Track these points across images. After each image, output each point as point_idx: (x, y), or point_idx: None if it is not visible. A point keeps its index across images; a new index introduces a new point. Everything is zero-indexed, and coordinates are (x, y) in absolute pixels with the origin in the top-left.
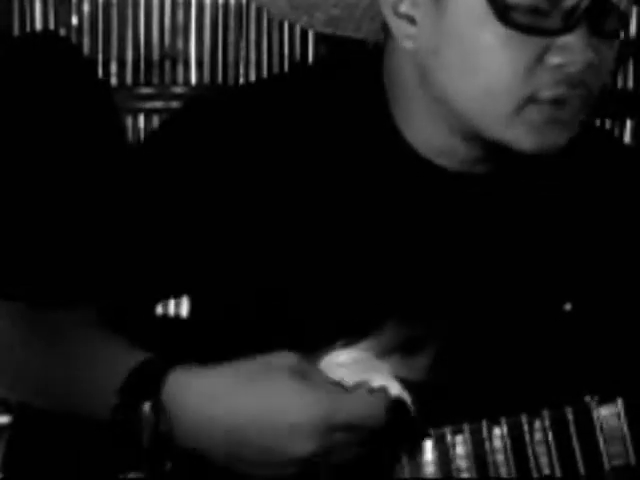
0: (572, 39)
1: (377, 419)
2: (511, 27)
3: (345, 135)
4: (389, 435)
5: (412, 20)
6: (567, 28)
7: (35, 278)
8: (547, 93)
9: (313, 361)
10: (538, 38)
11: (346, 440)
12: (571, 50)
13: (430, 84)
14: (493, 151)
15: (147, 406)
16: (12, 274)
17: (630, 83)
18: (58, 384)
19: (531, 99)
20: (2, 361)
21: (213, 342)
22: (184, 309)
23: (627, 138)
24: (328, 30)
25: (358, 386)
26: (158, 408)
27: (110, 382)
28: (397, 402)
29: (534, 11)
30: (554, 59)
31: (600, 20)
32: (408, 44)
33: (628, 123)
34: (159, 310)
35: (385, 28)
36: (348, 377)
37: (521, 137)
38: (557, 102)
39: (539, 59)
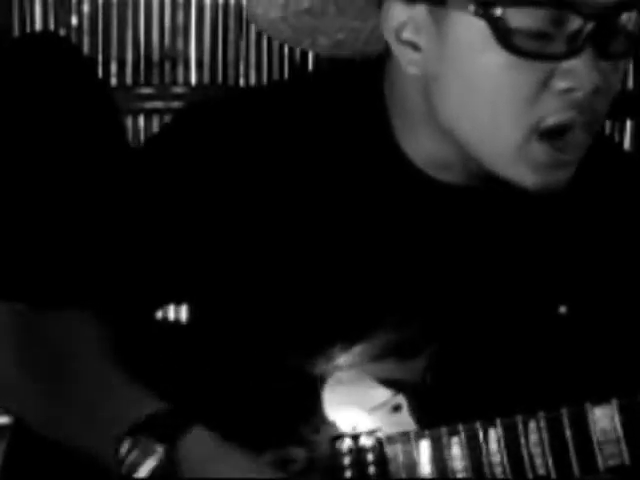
0: (577, 63)
1: None
2: (514, 53)
3: (345, 146)
4: None
5: (415, 46)
6: (572, 52)
7: (36, 281)
8: (553, 120)
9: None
10: (542, 63)
11: None
12: (577, 74)
13: (434, 110)
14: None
15: (162, 447)
16: (12, 276)
17: (630, 83)
18: (59, 411)
19: (537, 130)
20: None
21: (212, 346)
22: (183, 314)
23: (627, 138)
24: (333, 52)
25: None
26: (172, 453)
27: (122, 422)
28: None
29: (537, 36)
30: (560, 84)
31: (606, 42)
32: (413, 70)
33: (628, 123)
34: (159, 315)
35: (388, 47)
36: (346, 382)
37: (524, 176)
38: (562, 131)
39: (544, 84)
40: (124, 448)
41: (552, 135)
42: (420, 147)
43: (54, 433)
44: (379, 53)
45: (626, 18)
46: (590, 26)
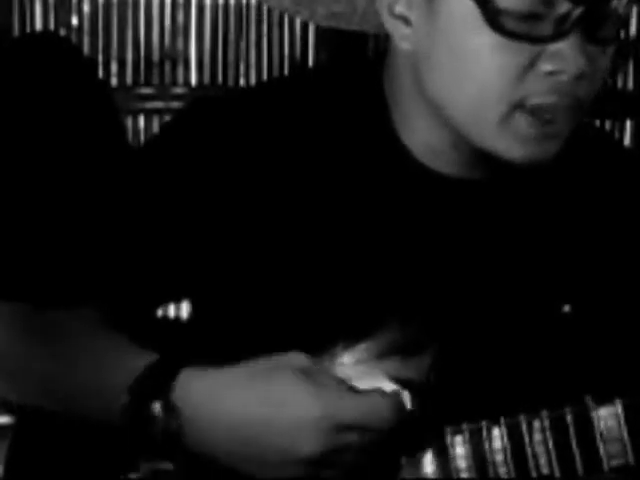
0: (564, 46)
1: (385, 420)
2: (502, 33)
3: (345, 139)
4: (395, 438)
5: (407, 21)
6: (559, 35)
7: (36, 279)
8: (536, 100)
9: (320, 362)
10: (529, 45)
11: (352, 441)
12: (563, 58)
13: (424, 87)
14: (485, 158)
15: (158, 405)
16: (13, 275)
17: (630, 83)
18: (62, 385)
19: (520, 105)
20: (3, 362)
21: (213, 344)
22: (184, 312)
23: (627, 138)
24: (331, 24)
25: (366, 387)
26: (169, 407)
27: (118, 382)
28: (401, 404)
29: (526, 17)
30: (545, 66)
31: (594, 27)
32: (404, 45)
33: (628, 123)
34: (159, 313)
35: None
36: (353, 378)
37: (510, 147)
38: (546, 111)
39: (530, 65)
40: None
41: (535, 112)
42: (416, 135)
43: (57, 405)
44: (377, 50)
45: (616, 2)
46: (579, 10)
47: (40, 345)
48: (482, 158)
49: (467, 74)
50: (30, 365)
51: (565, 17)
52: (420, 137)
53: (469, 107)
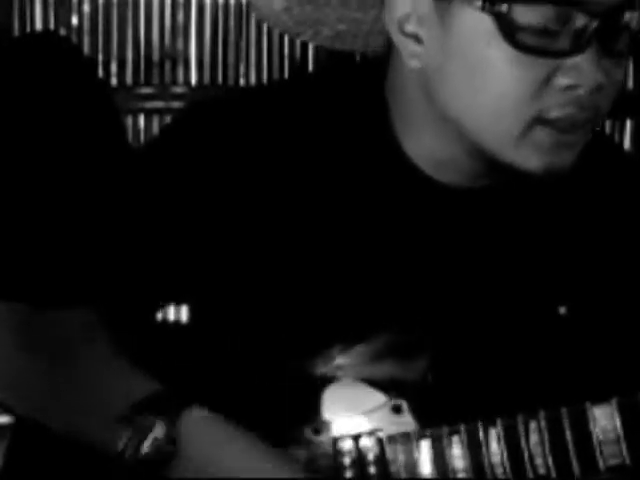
0: (581, 60)
1: None
2: (519, 48)
3: (345, 146)
4: None
5: (418, 39)
6: (576, 49)
7: (36, 280)
8: (555, 114)
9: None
10: (546, 60)
11: None
12: (580, 72)
13: (435, 102)
14: (496, 167)
15: (161, 422)
16: (13, 276)
17: (630, 83)
18: (59, 403)
19: (539, 120)
20: (2, 369)
21: (212, 347)
22: (184, 314)
23: (627, 138)
24: (335, 45)
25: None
26: (171, 429)
27: (119, 403)
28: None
29: (542, 32)
30: (563, 80)
31: (610, 41)
32: (414, 63)
33: (628, 123)
34: (159, 316)
35: (390, 43)
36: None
37: (528, 159)
38: (564, 124)
39: (547, 80)
40: (124, 431)
41: (554, 124)
42: (421, 146)
43: (55, 422)
44: (379, 54)
45: (629, 16)
46: (595, 24)
47: (38, 357)
48: (490, 169)
49: (484, 89)
50: (29, 379)
51: (582, 31)
52: (425, 148)
53: (486, 121)
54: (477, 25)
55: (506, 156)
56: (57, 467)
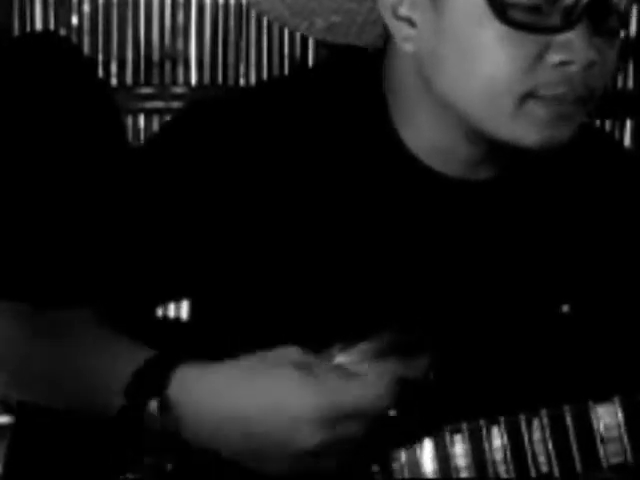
0: (573, 37)
1: (384, 401)
2: (510, 25)
3: (345, 139)
4: (392, 424)
5: (411, 22)
6: (567, 25)
7: (37, 279)
8: (547, 91)
9: (316, 355)
10: (538, 36)
11: (351, 431)
12: (572, 48)
13: (431, 86)
14: (496, 152)
15: (154, 404)
16: (14, 275)
17: (630, 83)
18: (62, 382)
19: (531, 94)
20: (4, 359)
21: (213, 344)
22: (184, 311)
23: (627, 138)
24: (329, 37)
25: (361, 371)
26: (165, 405)
27: (116, 379)
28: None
29: (533, 9)
30: (555, 57)
31: (601, 18)
32: (408, 47)
33: (628, 123)
34: (159, 312)
35: (386, 33)
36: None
37: (525, 133)
38: (558, 101)
39: (539, 57)
40: (121, 415)
41: (547, 101)
42: (420, 135)
43: (56, 401)
44: (375, 48)
45: None
46: (585, 0)
47: (40, 345)
48: (491, 154)
49: (477, 68)
50: (30, 366)
51: (572, 7)
52: (424, 137)
53: (481, 100)
54: (468, 4)
55: (504, 133)
56: (57, 467)
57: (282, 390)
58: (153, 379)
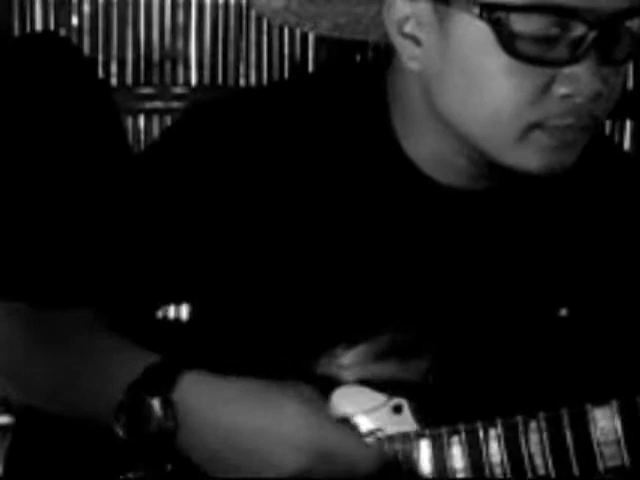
0: (580, 69)
1: (369, 467)
2: (516, 57)
3: (346, 147)
4: None
5: (417, 41)
6: (574, 59)
7: (37, 280)
8: (553, 122)
9: (324, 399)
10: (544, 68)
11: (331, 470)
12: (578, 80)
13: (435, 105)
14: (496, 167)
15: (157, 401)
16: (14, 276)
17: (630, 83)
18: (64, 389)
19: (537, 125)
20: (5, 361)
21: (213, 345)
22: (184, 313)
23: (627, 138)
24: (334, 34)
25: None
26: (167, 406)
27: (119, 383)
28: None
29: (540, 41)
30: (561, 89)
31: (609, 49)
32: (413, 65)
33: (628, 123)
34: (159, 314)
35: (390, 44)
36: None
37: (529, 159)
38: (563, 131)
39: (545, 88)
40: (123, 417)
41: (552, 131)
42: (421, 146)
43: (59, 406)
44: (377, 52)
45: (630, 23)
46: (593, 33)
47: (41, 349)
48: (491, 170)
49: (482, 97)
50: (32, 370)
51: (580, 40)
52: (425, 147)
53: (485, 127)
54: (475, 32)
55: (506, 159)
56: (57, 467)
57: (282, 415)
58: (158, 380)
